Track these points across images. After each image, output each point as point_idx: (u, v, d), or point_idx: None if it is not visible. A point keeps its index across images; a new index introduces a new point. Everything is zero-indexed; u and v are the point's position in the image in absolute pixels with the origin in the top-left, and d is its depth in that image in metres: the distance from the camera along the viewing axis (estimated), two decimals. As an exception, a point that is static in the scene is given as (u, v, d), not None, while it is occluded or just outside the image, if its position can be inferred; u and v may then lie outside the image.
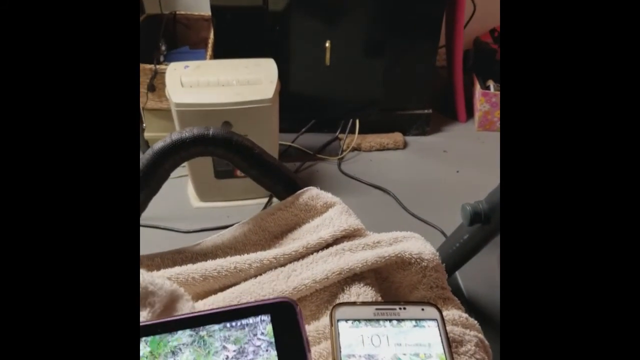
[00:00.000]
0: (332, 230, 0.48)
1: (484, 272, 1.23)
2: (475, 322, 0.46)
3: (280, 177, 0.52)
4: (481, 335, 0.45)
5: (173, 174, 1.80)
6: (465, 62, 2.01)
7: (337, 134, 1.92)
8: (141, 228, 1.69)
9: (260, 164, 0.50)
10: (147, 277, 0.41)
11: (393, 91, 1.89)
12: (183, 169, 1.80)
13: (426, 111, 1.94)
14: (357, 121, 1.90)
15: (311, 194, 0.52)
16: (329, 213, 0.51)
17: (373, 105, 1.92)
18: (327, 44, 1.70)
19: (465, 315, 0.46)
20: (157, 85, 1.62)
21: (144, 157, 0.48)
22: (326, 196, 0.52)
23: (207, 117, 1.50)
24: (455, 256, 1.03)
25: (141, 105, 1.66)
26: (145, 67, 1.60)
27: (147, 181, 0.48)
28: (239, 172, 1.72)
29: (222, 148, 0.49)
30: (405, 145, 1.95)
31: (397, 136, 1.95)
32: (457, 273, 1.20)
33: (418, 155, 1.92)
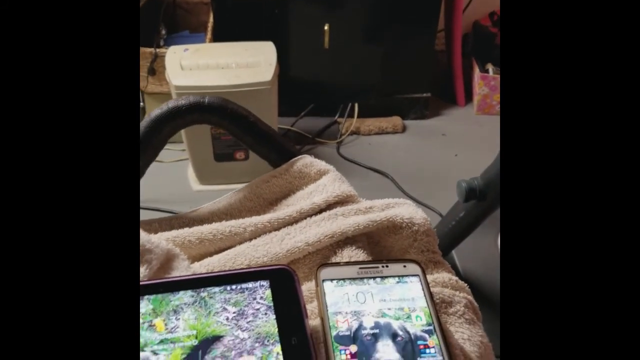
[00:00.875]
0: (325, 196, 0.49)
1: (480, 252, 1.25)
2: (465, 284, 0.47)
3: (275, 145, 0.53)
4: (470, 297, 0.46)
5: (173, 157, 1.80)
6: (464, 45, 2.01)
7: (336, 117, 1.93)
8: (142, 211, 1.71)
9: (255, 131, 0.51)
10: (144, 236, 0.42)
11: (392, 75, 1.89)
12: (183, 153, 1.81)
13: (425, 95, 1.94)
14: (356, 105, 1.91)
15: (305, 161, 0.53)
16: (323, 180, 0.52)
17: (372, 89, 1.92)
18: (326, 27, 1.71)
19: (455, 278, 0.47)
20: (157, 68, 1.63)
21: (142, 124, 0.49)
22: (320, 164, 0.53)
23: (207, 99, 1.50)
24: (452, 234, 1.04)
25: (141, 89, 1.67)
26: (145, 51, 1.60)
27: (145, 148, 0.49)
28: (238, 155, 1.73)
29: (217, 115, 0.50)
30: (404, 129, 1.96)
31: (396, 120, 1.95)
32: (453, 252, 1.22)
33: (417, 138, 1.93)
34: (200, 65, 1.46)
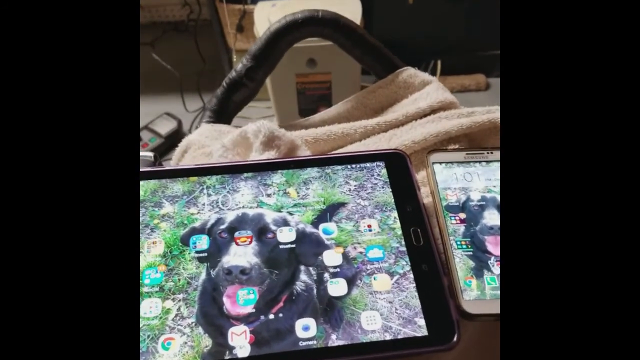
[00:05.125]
0: (429, 102, 0.53)
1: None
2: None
3: (381, 57, 0.57)
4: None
5: (260, 114, 1.89)
6: (553, 0, 1.94)
7: (419, 75, 1.93)
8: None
9: (363, 43, 0.56)
10: (274, 126, 0.47)
11: (476, 31, 1.87)
12: (269, 110, 1.89)
13: (510, 51, 1.90)
14: (439, 62, 1.90)
15: (409, 72, 0.56)
16: (426, 89, 0.55)
17: (455, 46, 1.91)
18: (410, -18, 1.71)
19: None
20: (245, 25, 1.70)
21: (262, 37, 0.55)
22: (424, 75, 0.57)
23: (293, 54, 1.55)
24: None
25: (230, 46, 1.75)
26: (234, 8, 1.67)
27: (265, 59, 0.55)
28: (322, 110, 1.79)
29: (330, 28, 0.54)
30: (487, 86, 1.93)
31: (480, 77, 1.93)
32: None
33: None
34: (288, 20, 1.51)
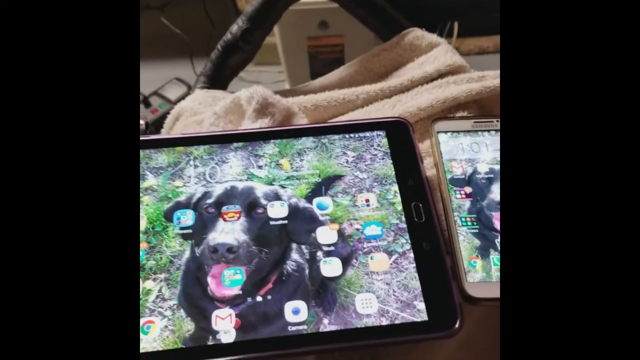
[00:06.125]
0: (437, 66, 0.49)
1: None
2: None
3: (386, 18, 0.53)
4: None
5: (271, 79, 1.84)
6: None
7: (435, 37, 1.87)
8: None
9: (367, 3, 0.52)
10: (268, 92, 0.44)
11: (496, -11, 1.79)
12: (281, 75, 1.85)
13: (531, 11, 1.82)
14: (456, 23, 1.83)
15: (416, 34, 0.52)
16: (434, 52, 0.51)
17: (473, 6, 1.83)
18: (427, -62, 1.63)
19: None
20: (255, -13, 1.65)
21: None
22: (431, 36, 0.52)
23: (304, 16, 1.51)
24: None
25: (241, 9, 1.70)
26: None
27: (261, 20, 0.51)
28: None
29: (331, -14, 0.50)
30: (506, 48, 1.86)
31: (498, 39, 1.86)
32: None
33: (520, 58, 1.83)
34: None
